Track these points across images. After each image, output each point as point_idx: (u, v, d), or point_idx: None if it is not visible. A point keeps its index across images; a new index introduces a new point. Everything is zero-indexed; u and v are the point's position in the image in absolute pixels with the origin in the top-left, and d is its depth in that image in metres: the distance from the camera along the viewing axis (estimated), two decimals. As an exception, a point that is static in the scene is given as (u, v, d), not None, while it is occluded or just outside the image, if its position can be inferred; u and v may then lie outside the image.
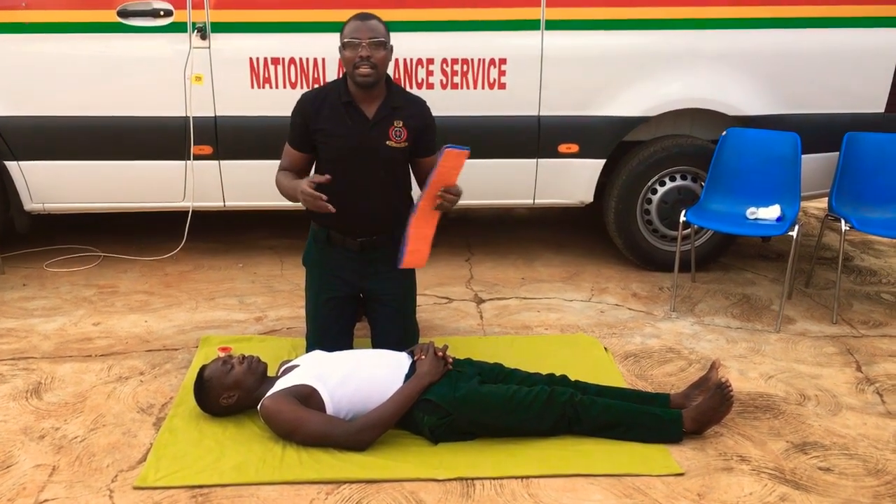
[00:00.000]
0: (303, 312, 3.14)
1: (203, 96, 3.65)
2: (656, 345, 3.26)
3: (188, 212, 3.86)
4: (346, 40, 2.77)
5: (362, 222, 2.91)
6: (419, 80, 3.68)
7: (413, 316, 3.11)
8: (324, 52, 3.61)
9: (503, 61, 3.69)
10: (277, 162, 2.98)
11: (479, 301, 3.70)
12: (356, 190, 2.82)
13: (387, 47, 2.79)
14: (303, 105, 2.88)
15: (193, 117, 3.65)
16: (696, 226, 3.72)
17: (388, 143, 2.84)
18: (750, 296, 3.80)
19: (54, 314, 3.47)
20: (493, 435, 2.50)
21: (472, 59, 3.68)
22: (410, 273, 3.09)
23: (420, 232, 2.82)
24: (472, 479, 2.31)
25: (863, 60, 3.81)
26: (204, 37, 3.59)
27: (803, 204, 4.81)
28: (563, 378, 2.70)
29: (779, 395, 2.85)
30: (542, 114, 3.77)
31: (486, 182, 3.87)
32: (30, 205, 3.81)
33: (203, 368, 2.60)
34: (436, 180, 2.71)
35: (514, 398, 2.50)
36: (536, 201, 3.97)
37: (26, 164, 3.71)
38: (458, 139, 3.63)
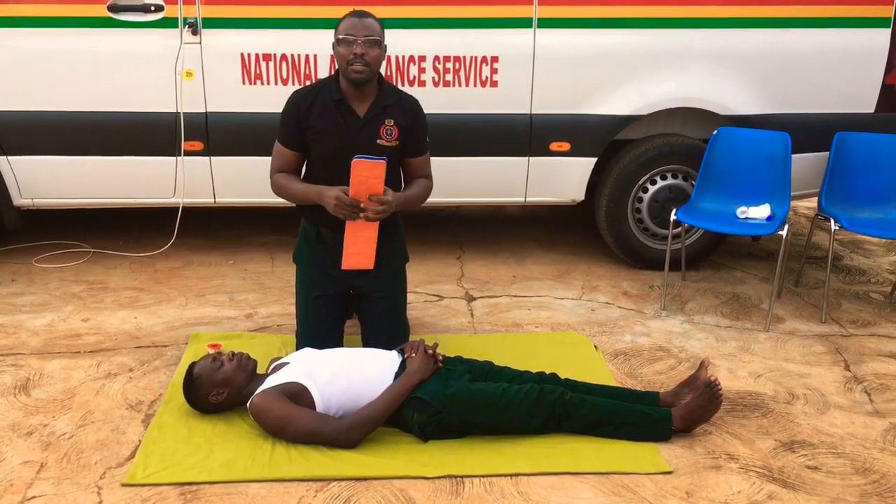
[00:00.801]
0: (293, 309, 3.13)
1: (194, 92, 3.63)
2: (646, 343, 3.27)
3: (178, 208, 3.85)
4: (340, 37, 2.76)
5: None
6: (411, 78, 3.67)
7: (403, 313, 3.10)
8: (316, 48, 3.60)
9: (495, 59, 3.68)
10: (268, 158, 2.96)
11: (470, 299, 3.70)
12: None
13: (381, 46, 2.79)
14: (294, 102, 2.86)
15: (184, 113, 3.63)
16: (686, 224, 3.73)
17: (378, 141, 2.83)
18: (739, 294, 3.81)
19: (43, 310, 3.46)
20: (483, 433, 2.51)
21: (464, 57, 3.68)
22: (401, 271, 3.09)
23: (358, 235, 2.78)
24: (462, 476, 2.31)
25: (853, 61, 3.82)
26: (195, 32, 3.57)
27: (793, 203, 4.83)
28: (553, 376, 2.70)
29: (767, 394, 2.86)
30: (533, 112, 3.77)
31: (478, 180, 3.89)
32: (19, 200, 3.78)
33: (192, 365, 2.59)
34: (352, 193, 2.69)
35: (504, 396, 2.50)
36: (528, 199, 3.97)
37: (15, 160, 3.69)
38: (449, 137, 3.67)
